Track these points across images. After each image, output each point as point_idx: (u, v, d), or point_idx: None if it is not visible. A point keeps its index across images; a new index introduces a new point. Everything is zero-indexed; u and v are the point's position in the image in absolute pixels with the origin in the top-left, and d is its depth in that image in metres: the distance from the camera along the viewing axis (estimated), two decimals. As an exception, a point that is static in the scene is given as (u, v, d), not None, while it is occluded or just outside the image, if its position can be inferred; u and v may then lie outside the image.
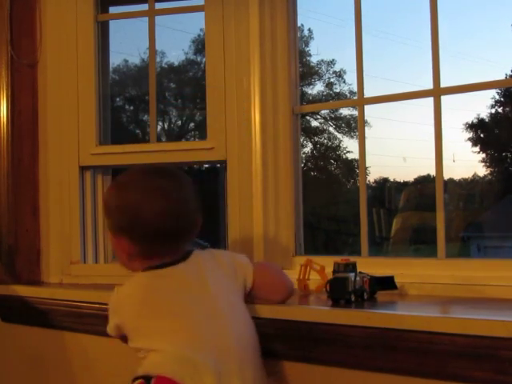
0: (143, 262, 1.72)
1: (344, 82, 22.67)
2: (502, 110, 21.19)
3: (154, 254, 1.71)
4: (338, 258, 1.83)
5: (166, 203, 1.68)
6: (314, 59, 22.72)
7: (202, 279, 1.67)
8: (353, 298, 1.72)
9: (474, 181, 20.45)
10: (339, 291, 1.73)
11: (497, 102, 20.92)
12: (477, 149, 21.33)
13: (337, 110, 22.07)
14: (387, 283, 1.85)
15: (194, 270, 1.70)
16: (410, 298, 1.86)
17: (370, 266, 1.90)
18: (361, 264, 1.83)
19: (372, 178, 20.20)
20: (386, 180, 20.66)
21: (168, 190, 1.70)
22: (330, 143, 22.75)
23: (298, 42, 2.30)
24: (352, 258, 1.84)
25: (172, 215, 1.68)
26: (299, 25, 2.34)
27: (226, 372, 1.55)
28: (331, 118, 22.44)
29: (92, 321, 2.16)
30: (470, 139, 21.44)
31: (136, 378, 1.59)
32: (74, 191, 2.44)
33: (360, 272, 1.80)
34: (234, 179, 2.24)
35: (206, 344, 1.59)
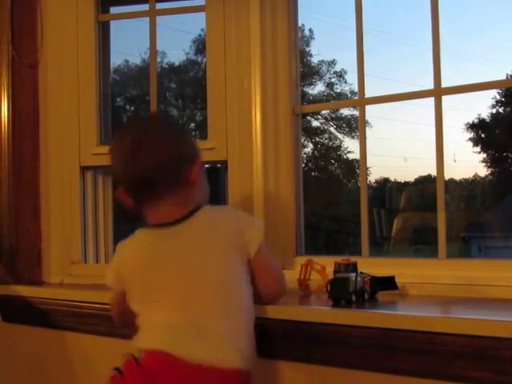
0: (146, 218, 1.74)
1: (345, 82, 22.70)
2: (503, 110, 21.20)
3: (145, 208, 1.72)
4: (339, 258, 1.83)
5: (125, 153, 1.70)
6: (314, 59, 22.75)
7: (189, 246, 1.68)
8: (353, 298, 1.72)
9: (475, 181, 20.47)
10: (340, 291, 1.73)
11: (498, 102, 20.95)
12: (478, 149, 21.36)
13: (337, 110, 22.12)
14: (388, 283, 1.85)
15: (186, 236, 1.68)
16: (411, 298, 1.86)
17: (371, 266, 1.90)
18: (361, 264, 1.83)
19: (373, 178, 20.24)
20: (386, 180, 20.70)
21: (129, 143, 1.70)
22: (330, 143, 22.76)
23: (298, 42, 2.30)
24: (353, 258, 1.84)
25: (129, 164, 1.69)
26: (300, 25, 2.34)
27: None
28: (332, 118, 22.46)
29: (93, 321, 2.16)
30: (470, 139, 21.47)
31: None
32: (74, 191, 2.44)
33: (361, 272, 1.80)
34: (235, 179, 2.24)
35: (182, 310, 1.62)
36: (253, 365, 1.61)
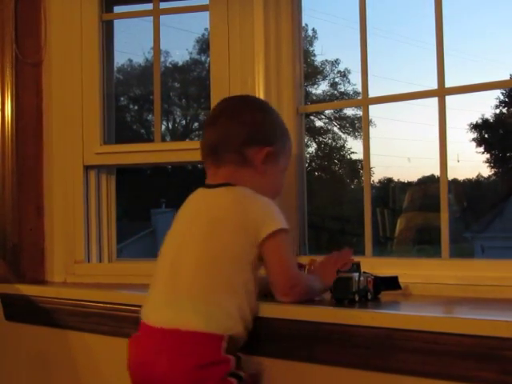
0: None
1: (348, 81, 22.70)
2: (507, 110, 21.19)
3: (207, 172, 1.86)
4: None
5: (207, 118, 1.94)
6: (318, 59, 22.75)
7: (198, 213, 1.78)
8: (356, 298, 1.72)
9: (479, 181, 20.46)
10: (343, 291, 1.72)
11: (501, 102, 20.94)
12: (481, 149, 21.34)
13: (341, 109, 22.12)
14: (391, 283, 1.85)
15: (200, 200, 1.81)
16: (414, 298, 1.85)
17: (374, 266, 1.90)
18: (364, 264, 1.82)
19: (376, 178, 20.23)
20: (390, 180, 20.69)
21: (214, 111, 1.91)
22: (334, 143, 22.77)
23: (302, 42, 2.30)
24: (356, 258, 1.84)
25: (206, 130, 1.87)
26: (303, 25, 2.34)
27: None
28: (335, 118, 22.47)
29: (96, 320, 2.16)
30: (474, 139, 21.46)
31: None
32: (78, 190, 2.44)
33: (364, 272, 1.80)
34: (238, 179, 2.23)
35: (169, 272, 1.73)
36: (231, 331, 1.64)
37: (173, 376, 1.61)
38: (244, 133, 1.79)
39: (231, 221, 1.71)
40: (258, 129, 1.82)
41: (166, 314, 1.67)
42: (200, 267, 1.68)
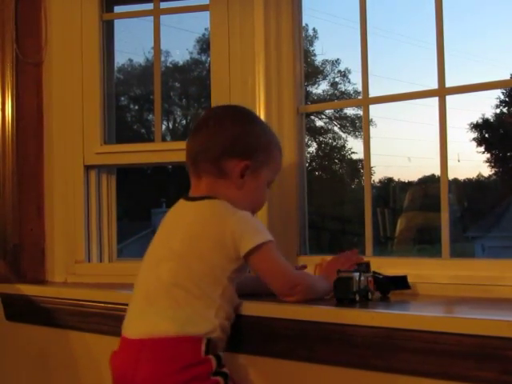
0: None
1: (349, 81, 22.70)
2: (507, 110, 21.19)
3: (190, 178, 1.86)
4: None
5: (192, 130, 1.89)
6: (318, 59, 22.75)
7: (173, 226, 1.80)
8: (357, 298, 1.72)
9: (479, 181, 20.45)
10: (343, 291, 1.72)
11: (501, 102, 20.93)
12: (481, 149, 21.33)
13: (341, 109, 22.11)
14: (400, 283, 1.85)
15: (179, 213, 1.81)
16: (415, 297, 1.85)
17: (375, 265, 1.89)
18: (365, 264, 1.83)
19: (377, 177, 20.23)
20: (390, 180, 20.68)
21: (199, 120, 1.91)
22: (334, 143, 22.76)
23: (302, 42, 2.30)
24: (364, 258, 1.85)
25: (189, 138, 1.86)
26: (304, 24, 2.34)
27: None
28: (336, 118, 22.46)
29: (96, 320, 2.16)
30: (474, 139, 21.45)
31: None
32: (78, 190, 2.44)
33: (374, 272, 1.80)
34: (239, 179, 2.23)
35: (144, 284, 1.76)
36: (209, 334, 1.64)
37: (155, 382, 1.61)
38: (222, 144, 1.76)
39: (208, 235, 1.70)
40: (237, 141, 1.78)
41: (141, 324, 1.68)
42: (177, 280, 1.67)
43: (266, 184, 1.84)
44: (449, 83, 1.96)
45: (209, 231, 1.70)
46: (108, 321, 2.11)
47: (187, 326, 1.63)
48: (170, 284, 1.67)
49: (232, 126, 1.80)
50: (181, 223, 1.77)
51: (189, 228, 1.73)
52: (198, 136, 1.82)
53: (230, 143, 1.77)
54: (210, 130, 1.80)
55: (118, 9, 2.62)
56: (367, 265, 1.80)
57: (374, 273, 1.81)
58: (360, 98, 2.22)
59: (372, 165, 2.17)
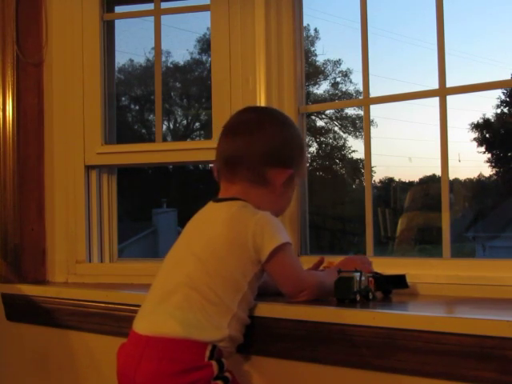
0: None
1: (350, 81, 22.67)
2: (508, 110, 21.18)
3: (218, 176, 1.82)
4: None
5: (227, 125, 1.84)
6: (320, 59, 22.73)
7: (196, 228, 1.78)
8: (358, 298, 1.72)
9: (480, 181, 20.44)
10: (344, 291, 1.72)
11: (502, 102, 20.91)
12: (482, 149, 21.31)
13: (342, 109, 22.08)
14: (399, 282, 1.85)
15: (204, 215, 1.79)
16: (416, 297, 1.86)
17: (375, 265, 1.90)
18: (366, 264, 1.83)
19: (377, 177, 20.21)
20: (391, 180, 20.66)
21: (234, 120, 1.85)
22: (335, 143, 22.75)
23: (303, 42, 2.30)
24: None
25: (224, 139, 1.81)
26: (305, 25, 2.34)
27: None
28: (337, 118, 22.44)
29: (97, 320, 2.16)
30: (475, 139, 21.42)
31: None
32: (79, 190, 2.44)
33: (376, 272, 1.80)
34: (240, 179, 2.23)
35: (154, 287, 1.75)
36: (216, 342, 1.63)
37: (155, 382, 1.61)
38: (265, 152, 1.74)
39: (228, 238, 1.68)
40: (280, 149, 1.76)
41: (150, 321, 1.68)
42: (193, 283, 1.66)
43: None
44: (449, 83, 1.96)
45: (228, 233, 1.68)
46: (109, 321, 2.12)
47: (194, 331, 1.62)
48: (187, 286, 1.66)
49: (273, 133, 1.77)
50: (203, 225, 1.76)
51: (209, 230, 1.72)
52: (235, 139, 1.77)
53: (274, 152, 1.75)
54: (250, 134, 1.76)
55: (118, 9, 2.62)
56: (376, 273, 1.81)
57: (373, 272, 1.81)
58: (361, 98, 2.22)
59: (373, 165, 2.17)
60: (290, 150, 1.79)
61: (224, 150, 1.79)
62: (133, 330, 1.71)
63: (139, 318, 1.73)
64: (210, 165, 1.91)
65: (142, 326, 1.69)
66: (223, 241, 1.68)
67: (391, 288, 1.84)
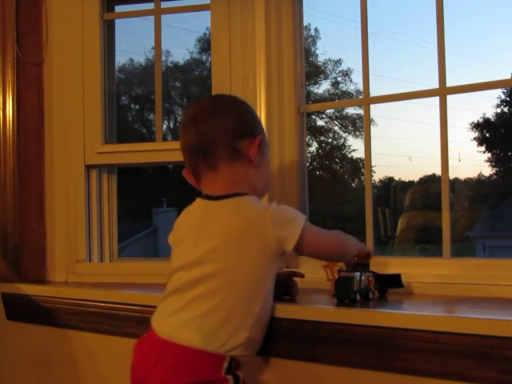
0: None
1: (350, 81, 22.71)
2: (508, 109, 21.20)
3: (202, 180, 1.77)
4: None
5: (183, 120, 1.80)
6: (320, 58, 22.76)
7: (204, 229, 1.71)
8: (358, 298, 1.72)
9: (480, 180, 20.46)
10: (344, 290, 1.72)
11: (502, 101, 20.95)
12: (482, 148, 21.35)
13: (342, 109, 22.12)
14: (394, 281, 1.85)
15: (208, 215, 1.73)
16: (416, 297, 1.85)
17: (375, 265, 1.89)
18: (366, 263, 1.83)
19: (377, 177, 20.24)
20: (391, 179, 20.70)
21: (186, 118, 1.80)
22: (335, 142, 22.77)
23: (303, 41, 2.30)
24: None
25: (186, 131, 1.76)
26: (306, 24, 2.34)
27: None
28: (337, 118, 22.47)
29: (97, 319, 2.16)
30: (475, 139, 21.46)
31: None
32: (79, 190, 2.44)
33: (372, 271, 1.80)
34: (240, 178, 2.23)
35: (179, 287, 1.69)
36: (235, 354, 1.61)
37: None
38: (232, 125, 1.73)
39: (249, 242, 1.64)
40: (245, 120, 1.77)
41: (169, 324, 1.64)
42: (212, 288, 1.62)
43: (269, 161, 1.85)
44: (449, 83, 1.96)
45: (249, 237, 1.65)
46: (109, 320, 2.12)
47: (213, 341, 1.59)
48: (205, 291, 1.62)
49: (234, 109, 1.78)
50: (213, 226, 1.69)
51: (224, 233, 1.66)
52: (199, 125, 1.74)
53: (239, 123, 1.75)
54: (212, 115, 1.75)
55: (118, 8, 2.62)
56: (367, 264, 1.80)
57: (374, 272, 1.81)
58: (361, 97, 2.22)
59: (373, 164, 2.17)
60: (251, 118, 1.81)
61: (192, 141, 1.75)
62: (152, 328, 1.68)
63: (158, 317, 1.70)
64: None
65: (160, 327, 1.66)
66: (245, 249, 1.64)
67: (387, 287, 1.84)
